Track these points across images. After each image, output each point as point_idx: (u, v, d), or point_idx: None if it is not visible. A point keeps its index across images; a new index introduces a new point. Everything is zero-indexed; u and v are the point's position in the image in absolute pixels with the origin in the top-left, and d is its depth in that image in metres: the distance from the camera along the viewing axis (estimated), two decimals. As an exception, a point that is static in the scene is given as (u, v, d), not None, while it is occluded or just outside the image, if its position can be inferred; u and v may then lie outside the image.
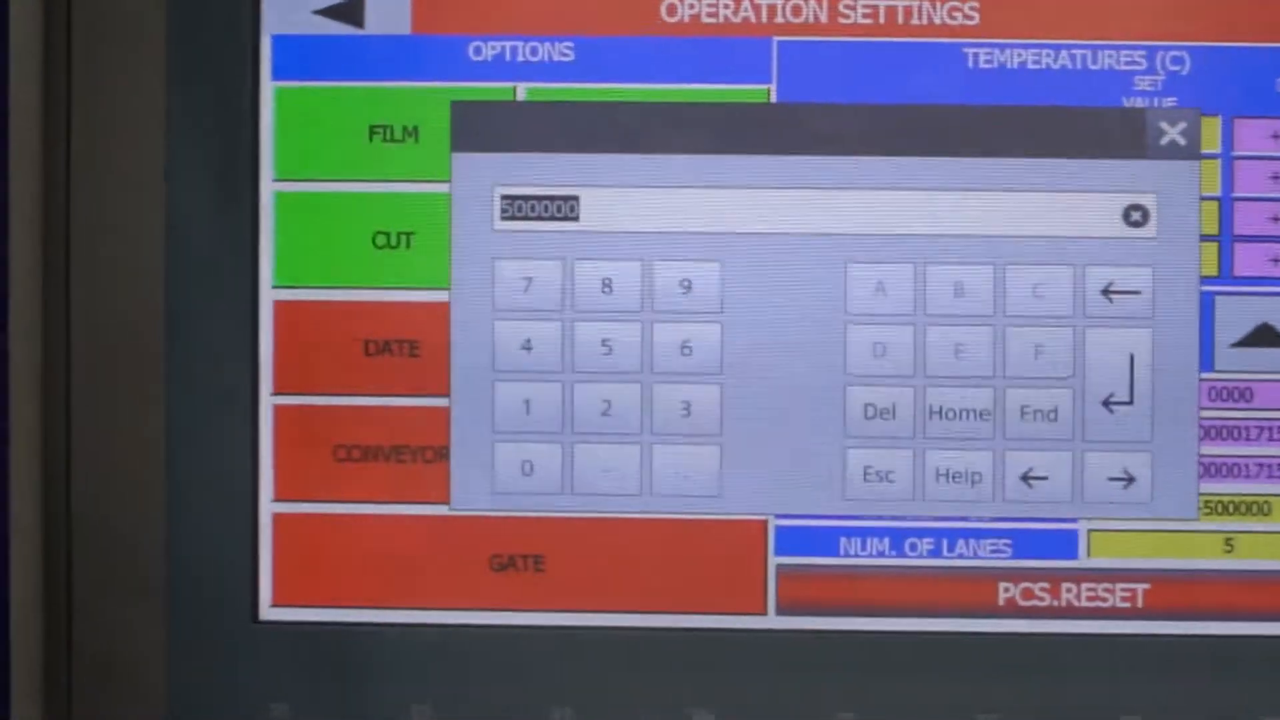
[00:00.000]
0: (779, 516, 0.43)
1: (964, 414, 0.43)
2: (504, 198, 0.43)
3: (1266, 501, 0.43)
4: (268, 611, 0.43)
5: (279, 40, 0.43)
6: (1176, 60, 0.43)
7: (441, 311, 0.43)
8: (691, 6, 0.43)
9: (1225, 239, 0.43)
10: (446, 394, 0.43)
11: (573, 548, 0.43)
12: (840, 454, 0.43)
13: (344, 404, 0.43)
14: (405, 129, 0.43)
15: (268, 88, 0.43)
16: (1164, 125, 0.43)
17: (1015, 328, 0.43)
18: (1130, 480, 0.43)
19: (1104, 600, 0.43)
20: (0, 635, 0.41)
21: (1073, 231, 0.43)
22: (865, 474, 0.43)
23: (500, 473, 0.43)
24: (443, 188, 0.43)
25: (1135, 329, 0.43)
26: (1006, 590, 0.43)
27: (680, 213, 0.43)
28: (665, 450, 0.43)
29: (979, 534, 0.43)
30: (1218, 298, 0.43)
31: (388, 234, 0.43)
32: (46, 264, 0.43)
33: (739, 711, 0.43)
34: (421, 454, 0.43)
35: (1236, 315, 0.43)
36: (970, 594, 0.43)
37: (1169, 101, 0.43)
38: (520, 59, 0.43)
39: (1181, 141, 0.43)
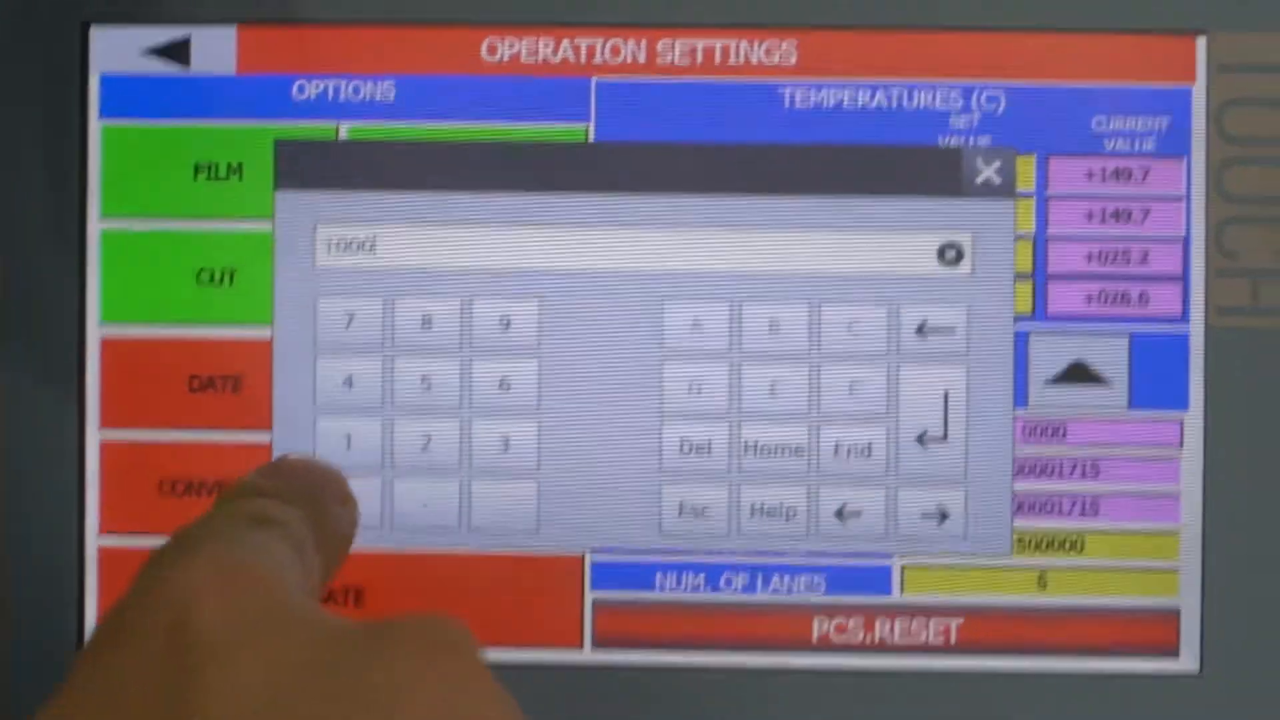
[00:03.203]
0: (595, 551, 0.44)
1: (779, 450, 0.43)
2: (325, 235, 0.44)
3: (1080, 538, 0.43)
4: (94, 642, 0.44)
5: (107, 80, 0.44)
6: (992, 99, 0.43)
7: (264, 348, 0.44)
8: (511, 46, 0.44)
9: (1039, 277, 0.43)
10: (269, 429, 0.44)
11: (391, 581, 0.44)
12: (656, 490, 0.43)
13: (169, 439, 0.44)
14: (229, 167, 0.44)
15: (95, 126, 0.44)
16: (980, 164, 0.43)
17: (830, 365, 0.43)
18: (944, 517, 0.43)
19: (917, 636, 0.44)
20: None
21: (888, 269, 0.43)
22: (681, 509, 0.44)
23: (320, 507, 0.44)
24: (265, 226, 0.44)
25: (949, 366, 0.43)
26: (821, 625, 0.44)
27: (500, 250, 0.43)
28: (483, 485, 0.44)
29: (794, 569, 0.44)
30: (1032, 335, 0.43)
31: (212, 271, 0.44)
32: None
33: (557, 743, 0.44)
34: (244, 488, 0.44)
35: (1050, 353, 0.43)
36: (785, 629, 0.44)
37: (984, 140, 0.43)
38: (343, 98, 0.44)
39: (997, 180, 0.43)
